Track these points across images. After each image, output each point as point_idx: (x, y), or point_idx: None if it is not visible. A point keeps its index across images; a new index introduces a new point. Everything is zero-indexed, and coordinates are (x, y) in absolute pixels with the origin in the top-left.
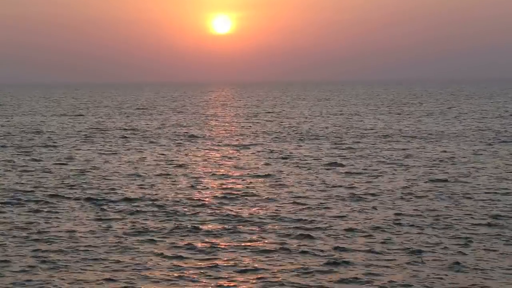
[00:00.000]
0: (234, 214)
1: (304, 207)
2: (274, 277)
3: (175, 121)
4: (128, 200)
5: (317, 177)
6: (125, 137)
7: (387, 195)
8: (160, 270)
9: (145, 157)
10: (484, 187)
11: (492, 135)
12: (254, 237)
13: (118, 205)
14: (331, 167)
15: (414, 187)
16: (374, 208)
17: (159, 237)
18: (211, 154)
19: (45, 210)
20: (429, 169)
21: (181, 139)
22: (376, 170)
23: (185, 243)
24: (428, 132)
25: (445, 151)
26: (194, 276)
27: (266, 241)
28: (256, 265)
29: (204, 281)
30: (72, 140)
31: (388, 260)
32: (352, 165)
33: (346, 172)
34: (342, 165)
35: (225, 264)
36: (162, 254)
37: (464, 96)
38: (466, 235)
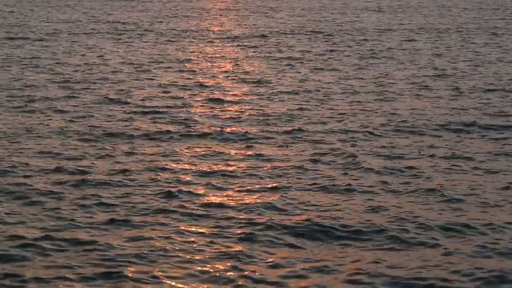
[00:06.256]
0: (210, 123)
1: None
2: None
3: (170, 14)
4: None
5: (307, 77)
6: (113, 31)
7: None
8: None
9: (133, 51)
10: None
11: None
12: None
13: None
14: (327, 65)
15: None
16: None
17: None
18: (202, 51)
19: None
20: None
21: (174, 34)
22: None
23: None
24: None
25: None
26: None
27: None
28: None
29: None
30: (53, 34)
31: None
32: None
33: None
34: (344, 64)
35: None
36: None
37: None
38: None
